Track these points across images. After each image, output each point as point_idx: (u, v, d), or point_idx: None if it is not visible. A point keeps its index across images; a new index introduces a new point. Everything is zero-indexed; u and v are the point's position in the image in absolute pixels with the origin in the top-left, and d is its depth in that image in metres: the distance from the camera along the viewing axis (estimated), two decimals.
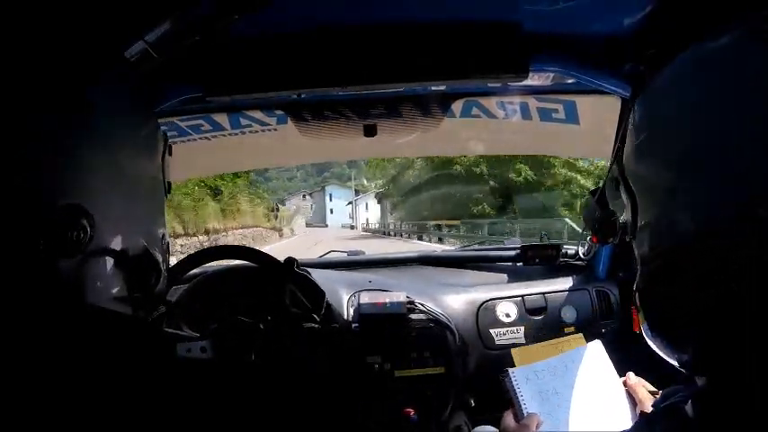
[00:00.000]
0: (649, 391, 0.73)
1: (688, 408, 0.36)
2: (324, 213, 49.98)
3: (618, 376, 0.76)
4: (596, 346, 0.81)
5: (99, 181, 0.42)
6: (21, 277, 0.37)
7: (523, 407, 0.74)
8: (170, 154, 0.57)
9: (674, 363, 0.37)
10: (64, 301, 0.39)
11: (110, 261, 0.42)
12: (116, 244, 0.43)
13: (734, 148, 0.29)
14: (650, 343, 0.39)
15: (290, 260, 0.97)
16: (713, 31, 0.33)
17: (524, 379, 0.78)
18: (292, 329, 0.90)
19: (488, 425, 0.73)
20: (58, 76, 0.39)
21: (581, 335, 0.90)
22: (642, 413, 0.42)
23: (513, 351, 0.89)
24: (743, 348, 0.30)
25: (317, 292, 0.97)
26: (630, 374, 0.76)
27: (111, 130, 0.44)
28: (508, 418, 0.75)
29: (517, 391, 0.76)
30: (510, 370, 0.80)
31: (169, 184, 0.57)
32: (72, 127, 0.40)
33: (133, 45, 0.59)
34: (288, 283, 0.94)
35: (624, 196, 0.40)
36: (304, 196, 52.56)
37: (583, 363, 0.79)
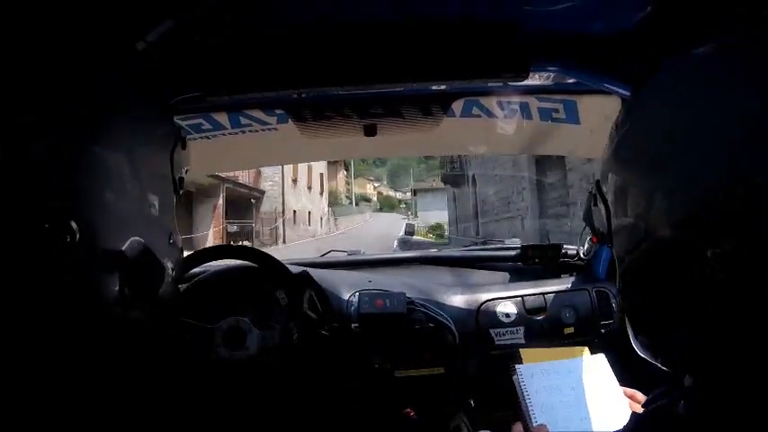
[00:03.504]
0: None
1: (679, 407, 0.36)
2: None
3: (621, 389, 0.78)
4: (601, 359, 0.85)
5: (92, 181, 0.40)
6: (4, 283, 0.36)
7: (528, 404, 0.77)
8: (183, 147, 0.55)
9: (659, 365, 0.37)
10: (52, 307, 0.38)
11: (103, 264, 0.41)
12: (111, 245, 0.41)
13: (729, 150, 0.29)
14: (636, 348, 0.39)
15: (306, 272, 1.00)
16: (714, 31, 0.33)
17: (530, 375, 0.81)
18: (311, 333, 0.93)
19: (488, 429, 0.74)
20: (58, 73, 0.39)
21: (586, 348, 0.92)
22: (633, 414, 0.42)
23: (522, 351, 0.92)
24: (725, 347, 0.30)
25: (329, 300, 1.02)
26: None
27: (112, 127, 0.43)
28: (517, 429, 0.76)
29: (522, 386, 0.79)
30: (517, 366, 0.83)
31: (181, 179, 0.54)
32: (62, 126, 0.39)
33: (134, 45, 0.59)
34: (307, 290, 0.97)
35: (600, 206, 0.41)
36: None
37: (587, 370, 0.83)
